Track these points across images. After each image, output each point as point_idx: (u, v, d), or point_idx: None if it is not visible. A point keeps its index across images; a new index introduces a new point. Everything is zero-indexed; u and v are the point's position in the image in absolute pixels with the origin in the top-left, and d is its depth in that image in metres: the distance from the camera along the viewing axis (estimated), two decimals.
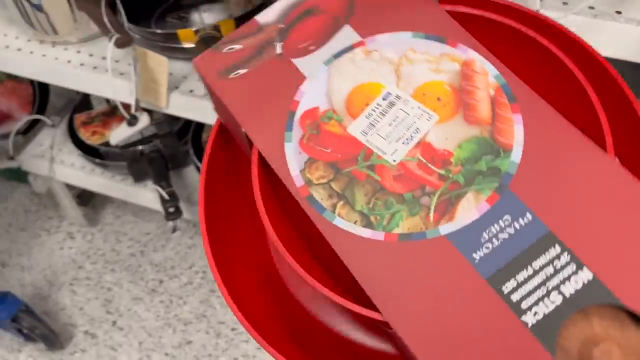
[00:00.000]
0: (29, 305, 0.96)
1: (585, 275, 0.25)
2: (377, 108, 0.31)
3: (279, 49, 0.34)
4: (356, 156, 0.30)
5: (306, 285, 0.28)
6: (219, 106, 0.35)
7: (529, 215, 0.26)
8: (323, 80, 0.33)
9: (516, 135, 0.29)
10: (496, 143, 0.29)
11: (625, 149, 0.29)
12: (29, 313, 0.95)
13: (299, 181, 0.30)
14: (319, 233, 0.28)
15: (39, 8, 0.78)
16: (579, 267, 0.25)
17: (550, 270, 0.25)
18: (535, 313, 0.24)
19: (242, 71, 0.34)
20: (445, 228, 0.27)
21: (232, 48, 0.35)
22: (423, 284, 0.26)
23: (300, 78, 0.33)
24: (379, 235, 0.28)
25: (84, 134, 1.02)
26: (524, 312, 0.24)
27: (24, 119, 1.05)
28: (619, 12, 0.49)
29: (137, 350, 0.98)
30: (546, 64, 0.32)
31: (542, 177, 0.27)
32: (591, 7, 0.49)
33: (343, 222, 0.28)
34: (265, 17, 0.36)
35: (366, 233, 0.28)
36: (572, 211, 0.26)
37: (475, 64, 0.31)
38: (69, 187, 1.11)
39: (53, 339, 0.97)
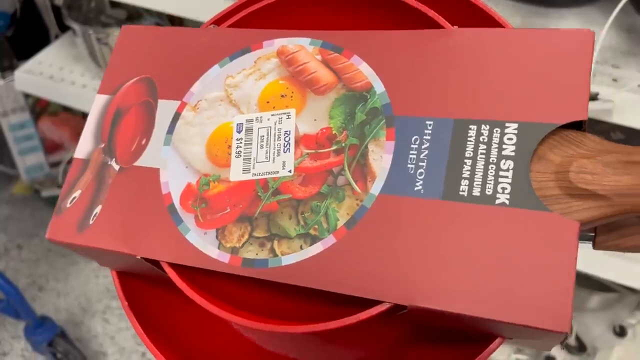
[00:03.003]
0: (64, 330, 0.93)
1: (511, 127, 0.23)
2: (240, 142, 0.28)
3: (115, 165, 0.30)
4: (255, 194, 0.27)
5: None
6: (100, 255, 0.30)
7: (428, 122, 0.25)
8: (175, 158, 0.29)
9: (365, 72, 0.27)
10: (355, 91, 0.27)
11: None
12: (65, 338, 0.92)
13: (224, 257, 0.26)
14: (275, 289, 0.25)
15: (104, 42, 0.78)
16: (502, 125, 0.23)
17: (482, 148, 0.23)
18: (503, 189, 0.22)
19: (97, 210, 0.29)
20: (376, 187, 0.25)
21: (74, 197, 0.30)
22: (404, 245, 0.23)
23: (153, 173, 0.29)
24: (330, 241, 0.25)
25: None
26: (493, 197, 0.22)
27: (74, 149, 1.01)
28: None
29: None
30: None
31: (411, 84, 0.26)
32: None
33: (291, 257, 0.25)
34: (83, 149, 0.31)
35: (317, 248, 0.25)
36: (455, 89, 0.25)
37: (287, 47, 0.29)
38: None
39: None
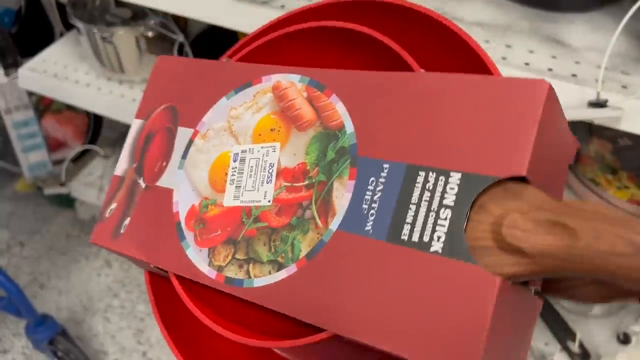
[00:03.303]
0: (65, 329, 0.94)
1: (455, 177, 0.24)
2: (234, 171, 0.32)
3: (142, 183, 0.36)
4: (240, 220, 0.31)
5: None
6: (130, 259, 0.36)
7: (385, 165, 0.26)
8: (185, 181, 0.34)
9: (340, 111, 0.29)
10: (330, 129, 0.29)
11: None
12: (66, 337, 0.93)
13: (212, 274, 0.30)
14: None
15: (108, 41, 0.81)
16: (447, 174, 0.24)
17: (427, 195, 0.25)
18: (438, 238, 0.24)
19: (127, 221, 0.35)
20: (334, 223, 0.27)
21: (111, 209, 0.36)
22: (347, 280, 0.26)
23: (169, 193, 0.34)
24: (292, 269, 0.28)
25: None
26: (429, 244, 0.24)
27: (77, 147, 1.07)
28: None
29: None
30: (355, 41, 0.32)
31: (376, 126, 0.27)
32: None
33: (261, 280, 0.28)
34: (121, 167, 0.37)
35: (282, 274, 0.28)
36: (413, 134, 0.26)
37: (281, 83, 0.32)
38: None
39: None
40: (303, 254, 0.27)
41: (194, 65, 0.37)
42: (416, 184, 0.25)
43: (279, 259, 0.28)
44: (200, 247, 0.31)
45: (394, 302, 0.24)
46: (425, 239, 0.24)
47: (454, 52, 0.29)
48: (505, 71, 0.48)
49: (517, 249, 0.22)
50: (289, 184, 0.29)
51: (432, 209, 0.24)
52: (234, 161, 0.32)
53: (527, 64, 0.50)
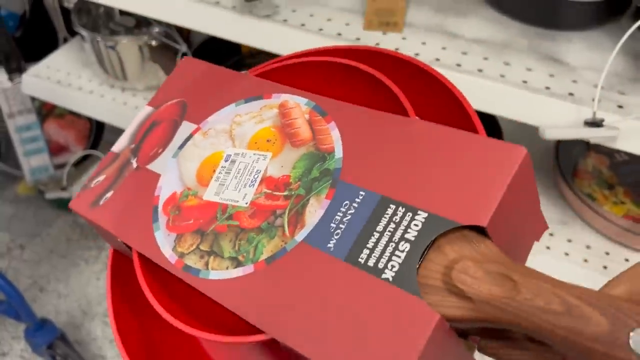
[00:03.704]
0: (64, 333, 0.92)
1: (422, 215, 0.25)
2: (223, 170, 0.33)
3: (134, 163, 0.37)
4: (215, 215, 0.31)
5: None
6: (100, 231, 0.36)
7: (362, 192, 0.28)
8: (174, 170, 0.35)
9: (334, 137, 0.31)
10: (321, 151, 0.31)
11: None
12: (64, 341, 0.91)
13: (172, 258, 0.31)
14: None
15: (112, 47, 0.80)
16: (414, 212, 0.26)
17: (392, 226, 0.26)
18: (392, 267, 0.25)
19: (109, 195, 0.36)
20: (300, 235, 0.28)
21: (98, 181, 0.38)
22: (298, 290, 0.26)
23: (156, 177, 0.35)
24: (249, 269, 0.28)
25: None
26: (382, 271, 0.25)
27: (79, 152, 1.06)
28: None
29: None
30: (360, 79, 0.35)
31: (362, 157, 0.29)
32: None
33: (217, 273, 0.29)
34: (119, 145, 0.39)
35: (237, 272, 0.28)
36: (394, 171, 0.27)
37: (288, 102, 0.34)
38: None
39: None
40: (264, 257, 0.28)
41: (214, 70, 0.39)
42: (385, 215, 0.26)
43: (240, 258, 0.29)
44: (170, 232, 0.32)
45: (335, 317, 0.24)
46: (380, 265, 0.25)
47: (448, 107, 0.31)
48: (503, 89, 0.49)
49: (463, 294, 0.23)
50: (270, 192, 0.31)
51: (393, 239, 0.25)
52: (225, 161, 0.34)
53: (525, 82, 0.50)
